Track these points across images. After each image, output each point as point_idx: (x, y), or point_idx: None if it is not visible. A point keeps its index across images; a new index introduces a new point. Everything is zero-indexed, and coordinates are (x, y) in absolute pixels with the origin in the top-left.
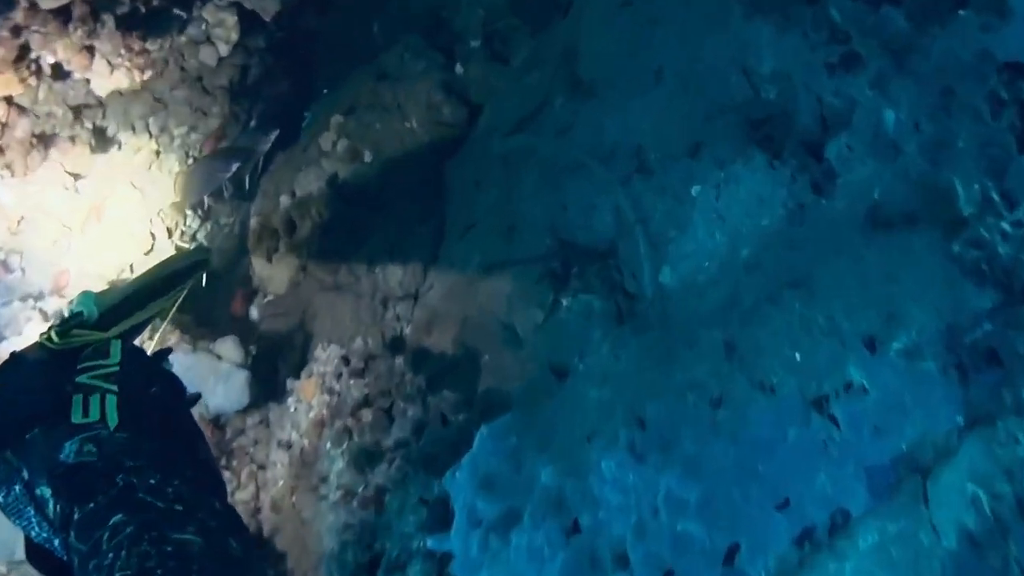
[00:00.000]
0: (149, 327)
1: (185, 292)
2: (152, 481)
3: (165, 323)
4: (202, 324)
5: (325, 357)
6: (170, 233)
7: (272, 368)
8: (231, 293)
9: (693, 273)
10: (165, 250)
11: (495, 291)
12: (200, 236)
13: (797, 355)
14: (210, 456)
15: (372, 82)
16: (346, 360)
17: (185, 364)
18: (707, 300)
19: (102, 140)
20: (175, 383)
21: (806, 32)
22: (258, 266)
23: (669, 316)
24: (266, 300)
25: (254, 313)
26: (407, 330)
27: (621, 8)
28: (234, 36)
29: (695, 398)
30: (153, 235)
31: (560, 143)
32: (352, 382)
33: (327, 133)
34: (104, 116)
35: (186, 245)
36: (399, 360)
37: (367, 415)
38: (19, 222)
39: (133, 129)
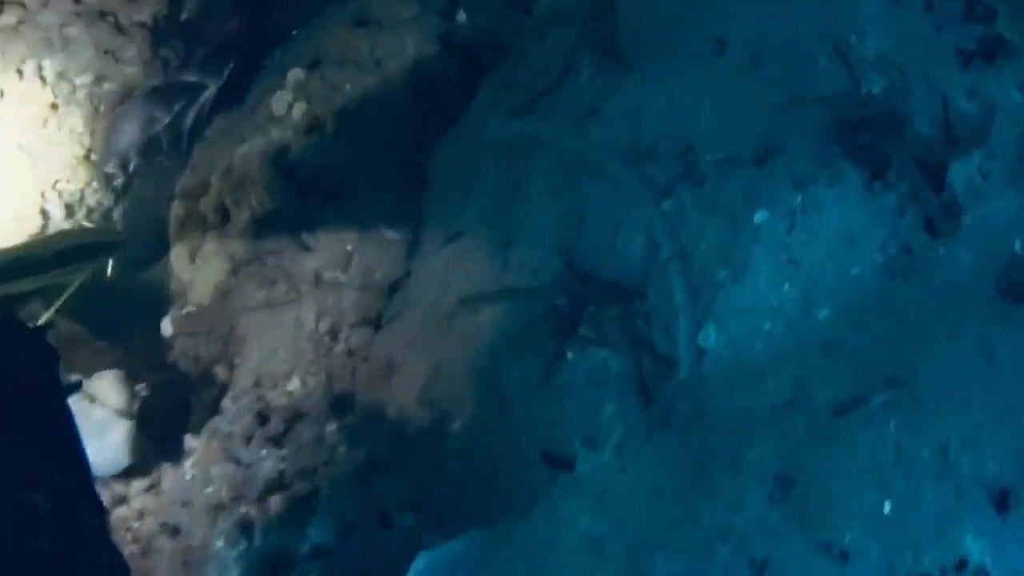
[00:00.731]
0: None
1: (82, 279)
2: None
3: (49, 313)
4: (81, 345)
5: (235, 410)
6: (71, 211)
7: (172, 413)
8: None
9: (748, 339)
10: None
11: (479, 330)
12: (115, 215)
13: (887, 505)
14: (76, 433)
15: (346, 28)
16: (262, 418)
17: None
18: (763, 390)
19: None
20: (46, 354)
21: (931, 2)
22: (178, 264)
23: (705, 408)
24: (184, 312)
25: (166, 328)
26: (360, 373)
27: None
28: None
29: (728, 554)
30: (46, 213)
31: (582, 133)
32: (265, 452)
33: (281, 92)
34: None
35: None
36: (332, 426)
37: (278, 503)
38: None
39: (20, 75)
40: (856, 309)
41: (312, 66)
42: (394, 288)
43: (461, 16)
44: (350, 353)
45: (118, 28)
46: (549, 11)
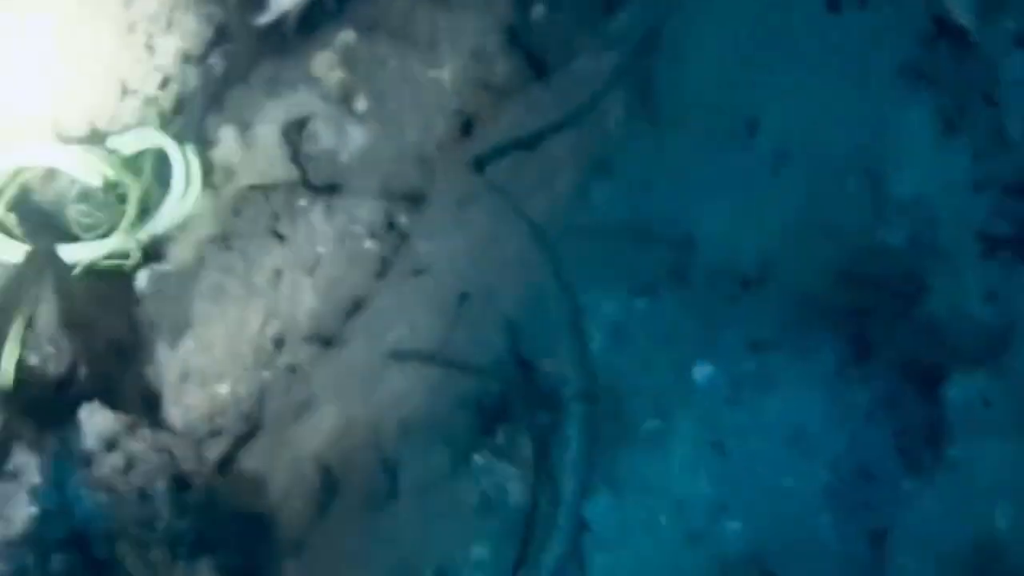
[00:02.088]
0: None
1: None
2: None
3: None
4: None
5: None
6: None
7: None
8: None
9: (642, 530)
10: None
11: (401, 393)
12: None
13: None
14: None
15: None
16: (109, 443)
17: None
18: None
19: None
20: None
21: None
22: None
23: None
24: (161, 270)
25: (141, 281)
26: (295, 396)
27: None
28: None
29: None
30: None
31: (582, 192)
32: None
33: (326, 53)
34: None
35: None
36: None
37: None
38: None
39: None
40: (773, 539)
41: (368, 28)
42: (354, 309)
43: (538, 10)
44: (293, 371)
45: None
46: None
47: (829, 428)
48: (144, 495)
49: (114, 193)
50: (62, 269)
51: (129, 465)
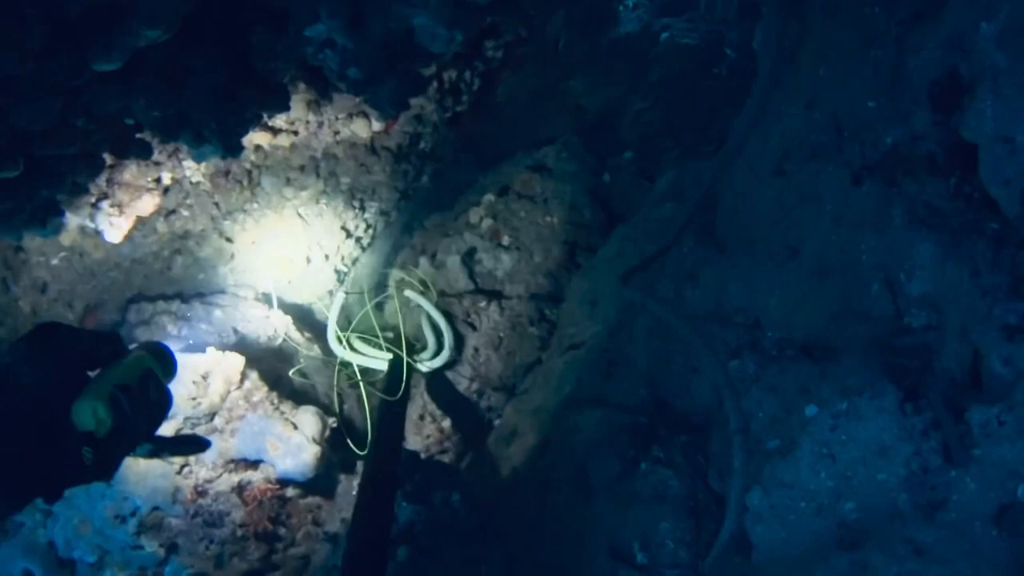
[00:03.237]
0: None
1: None
2: None
3: None
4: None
5: None
6: (328, 258)
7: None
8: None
9: (784, 509)
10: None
11: (579, 425)
12: (356, 264)
13: None
14: None
15: (528, 170)
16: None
17: (256, 427)
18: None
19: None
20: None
21: (978, 269)
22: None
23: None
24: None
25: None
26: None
27: (775, 175)
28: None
29: None
30: (308, 259)
31: (678, 293)
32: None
33: (476, 208)
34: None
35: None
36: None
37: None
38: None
39: (301, 170)
40: (878, 511)
41: (500, 193)
42: (526, 370)
43: (606, 177)
44: (489, 409)
45: (372, 150)
46: (667, 185)
47: (900, 442)
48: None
49: None
50: None
51: None
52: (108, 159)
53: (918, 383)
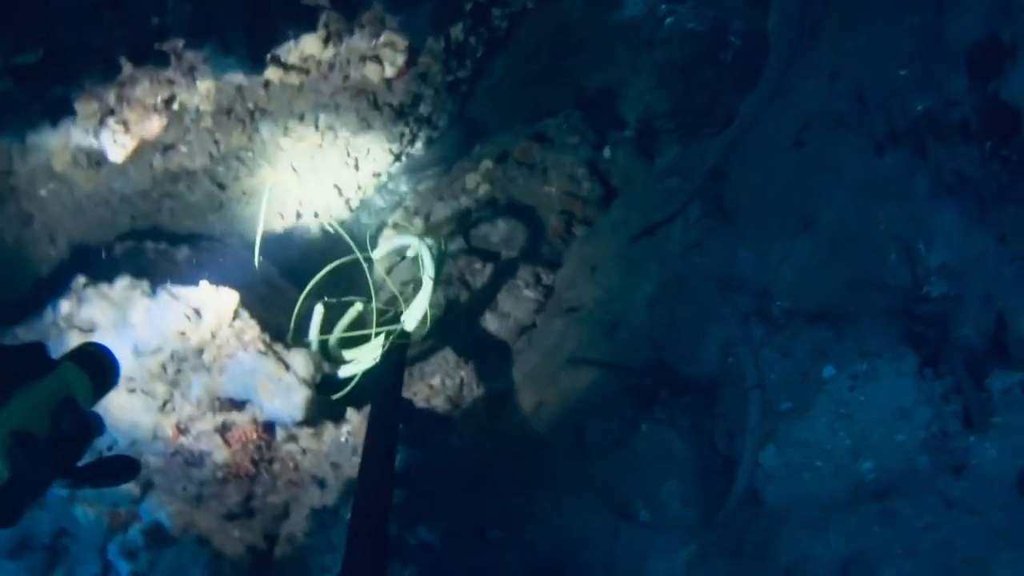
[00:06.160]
0: None
1: None
2: None
3: None
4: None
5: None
6: (316, 216)
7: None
8: None
9: (799, 468)
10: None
11: (578, 385)
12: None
13: None
14: None
15: (528, 140)
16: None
17: (247, 366)
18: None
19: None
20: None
21: (1005, 236)
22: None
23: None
24: None
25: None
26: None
27: (791, 147)
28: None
29: None
30: (299, 215)
31: (685, 258)
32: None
33: (474, 174)
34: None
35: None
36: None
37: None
38: None
39: (300, 119)
40: (896, 471)
41: (499, 160)
42: (523, 330)
43: (606, 152)
44: (485, 370)
45: (375, 104)
46: (668, 164)
47: (919, 405)
48: None
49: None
50: None
51: None
52: (125, 66)
53: (937, 350)
